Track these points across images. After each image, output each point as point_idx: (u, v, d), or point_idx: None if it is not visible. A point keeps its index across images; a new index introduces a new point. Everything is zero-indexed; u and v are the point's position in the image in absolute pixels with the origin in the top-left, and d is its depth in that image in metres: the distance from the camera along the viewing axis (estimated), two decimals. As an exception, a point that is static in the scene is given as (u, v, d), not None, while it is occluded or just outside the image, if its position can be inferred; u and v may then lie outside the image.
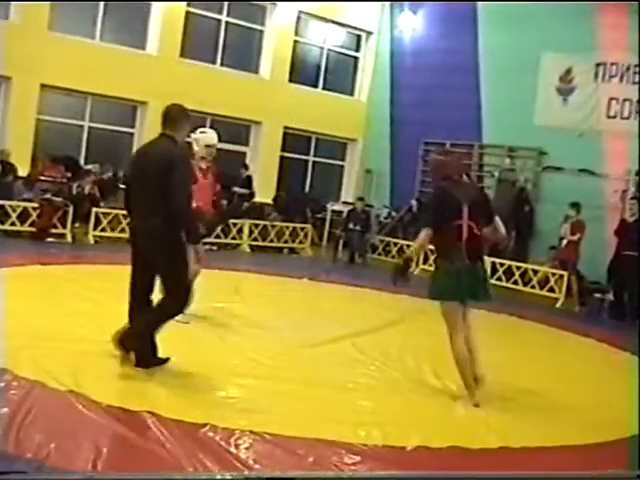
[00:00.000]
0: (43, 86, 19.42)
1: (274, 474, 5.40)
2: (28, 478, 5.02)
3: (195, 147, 10.42)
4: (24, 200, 17.36)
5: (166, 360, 7.93)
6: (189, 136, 8.89)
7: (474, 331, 8.42)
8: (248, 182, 21.79)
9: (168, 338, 8.17)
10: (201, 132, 10.62)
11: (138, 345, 7.76)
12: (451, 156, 8.92)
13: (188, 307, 8.00)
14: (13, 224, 16.87)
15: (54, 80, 19.40)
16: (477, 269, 8.32)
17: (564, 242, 17.44)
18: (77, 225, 17.75)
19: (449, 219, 7.92)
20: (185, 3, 21.57)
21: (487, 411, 7.72)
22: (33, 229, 17.11)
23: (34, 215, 17.09)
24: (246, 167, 22.17)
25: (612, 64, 18.94)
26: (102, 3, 20.39)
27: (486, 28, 21.88)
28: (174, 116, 8.14)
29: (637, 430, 7.11)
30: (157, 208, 7.60)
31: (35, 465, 5.22)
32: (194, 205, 8.25)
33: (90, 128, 20.80)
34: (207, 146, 10.39)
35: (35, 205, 17.17)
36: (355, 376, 8.68)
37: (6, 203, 16.86)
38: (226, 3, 22.61)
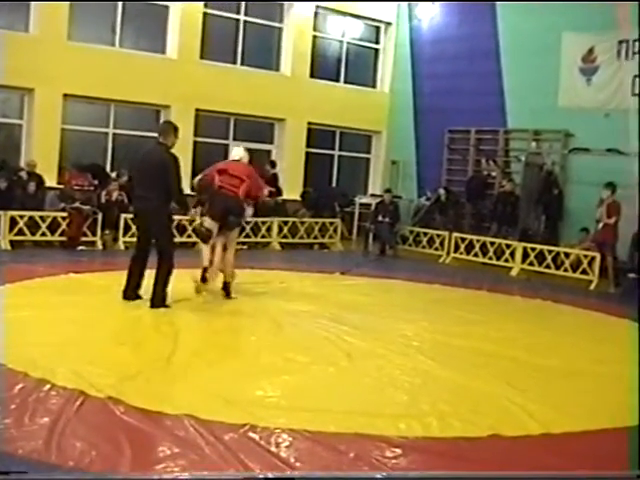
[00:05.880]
0: (66, 96, 19.51)
1: (274, 474, 5.38)
2: (28, 478, 5.03)
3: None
4: (56, 210, 17.45)
5: (168, 306, 10.88)
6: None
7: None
8: (274, 180, 21.80)
9: (203, 340, 8.20)
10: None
11: (155, 293, 10.84)
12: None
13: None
14: (44, 234, 16.98)
15: (76, 89, 19.49)
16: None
17: (600, 225, 17.27)
18: (107, 232, 17.83)
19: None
20: (202, 4, 21.60)
21: (526, 397, 7.68)
22: (64, 238, 17.22)
23: (64, 224, 17.19)
24: (273, 165, 22.14)
25: (635, 41, 18.68)
26: (120, 10, 20.44)
27: (505, 12, 21.77)
28: (162, 128, 11.76)
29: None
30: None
31: (77, 473, 5.25)
32: None
33: (115, 135, 20.87)
34: None
35: (64, 214, 17.26)
36: (390, 369, 8.65)
37: (35, 214, 16.97)
38: (243, 2, 22.62)
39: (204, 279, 11.66)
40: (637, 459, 5.47)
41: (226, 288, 11.99)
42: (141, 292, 11.22)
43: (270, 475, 5.43)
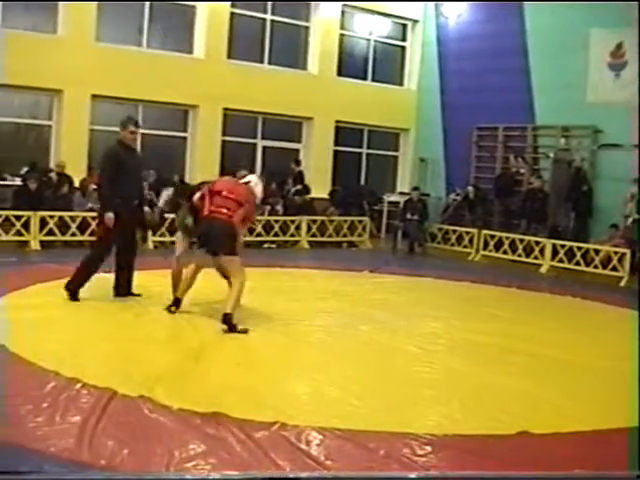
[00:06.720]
0: (94, 96, 19.61)
1: (274, 474, 5.40)
2: (28, 478, 5.07)
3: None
4: (84, 211, 17.53)
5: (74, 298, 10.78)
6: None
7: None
8: (300, 178, 21.87)
9: (231, 339, 8.24)
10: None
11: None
12: None
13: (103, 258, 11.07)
14: (74, 234, 17.07)
15: (104, 90, 19.59)
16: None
17: (629, 220, 17.18)
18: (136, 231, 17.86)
19: None
20: (229, 3, 21.66)
21: (556, 394, 7.66)
22: (93, 238, 17.27)
23: (93, 224, 17.24)
24: (298, 163, 22.28)
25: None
26: (147, 10, 20.54)
27: (532, 8, 21.69)
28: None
29: None
30: None
31: (108, 472, 5.29)
32: None
33: (143, 135, 20.91)
34: None
35: (94, 214, 17.32)
36: (419, 367, 8.64)
37: (65, 214, 17.07)
38: (270, 2, 22.66)
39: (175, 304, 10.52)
40: (637, 459, 5.43)
41: (226, 320, 9.56)
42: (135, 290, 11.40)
43: (270, 475, 5.44)
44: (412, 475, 5.67)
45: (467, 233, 20.73)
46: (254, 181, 10.60)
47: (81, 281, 10.88)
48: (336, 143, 24.20)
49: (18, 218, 16.57)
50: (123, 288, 11.24)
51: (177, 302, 10.47)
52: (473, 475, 5.68)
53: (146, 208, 11.87)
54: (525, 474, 5.67)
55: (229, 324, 9.45)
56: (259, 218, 18.97)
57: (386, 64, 25.49)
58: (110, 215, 10.70)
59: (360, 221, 21.65)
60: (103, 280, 11.88)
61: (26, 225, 16.63)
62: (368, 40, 25.04)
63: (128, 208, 10.97)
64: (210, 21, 21.30)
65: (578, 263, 17.99)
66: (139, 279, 11.50)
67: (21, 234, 16.65)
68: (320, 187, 22.79)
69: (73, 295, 10.78)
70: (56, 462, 5.35)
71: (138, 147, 20.39)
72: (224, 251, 10.01)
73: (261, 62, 22.73)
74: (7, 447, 5.53)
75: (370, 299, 12.70)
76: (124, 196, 10.86)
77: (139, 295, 11.24)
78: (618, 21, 19.08)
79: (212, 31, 21.36)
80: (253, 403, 6.85)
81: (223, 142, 21.87)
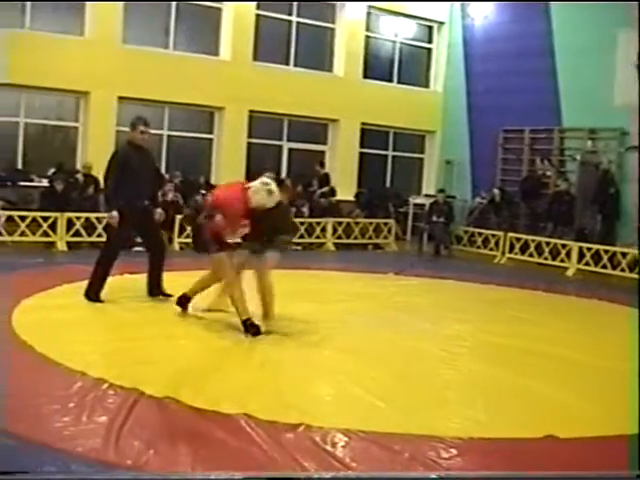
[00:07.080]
0: (121, 98, 19.70)
1: (274, 474, 5.39)
2: (29, 478, 5.09)
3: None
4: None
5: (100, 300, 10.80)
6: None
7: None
8: (326, 180, 21.87)
9: (256, 340, 8.24)
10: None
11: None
12: None
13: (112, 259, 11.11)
14: (100, 235, 17.12)
15: (131, 92, 19.68)
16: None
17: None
18: (162, 233, 17.90)
19: None
20: (255, 4, 21.69)
21: (581, 398, 7.62)
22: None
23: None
24: (322, 165, 22.28)
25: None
26: (173, 12, 20.63)
27: (559, 9, 21.59)
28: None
29: None
30: None
31: (135, 472, 5.31)
32: None
33: (169, 136, 21.04)
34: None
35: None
36: (444, 369, 8.63)
37: (92, 215, 17.13)
38: (295, 3, 22.69)
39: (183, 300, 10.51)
40: (637, 459, 5.41)
41: (247, 327, 9.52)
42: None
43: (270, 475, 5.44)
44: (433, 475, 5.66)
45: (493, 236, 20.65)
46: (254, 188, 9.72)
47: (97, 285, 10.89)
48: (362, 145, 24.20)
49: (45, 219, 16.72)
50: (154, 288, 11.32)
51: (184, 300, 10.44)
52: (497, 476, 5.66)
53: (159, 210, 11.49)
54: (525, 474, 5.65)
55: (251, 329, 9.45)
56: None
57: (412, 66, 25.45)
58: (113, 214, 10.73)
59: (385, 223, 21.61)
60: (130, 281, 11.95)
61: (53, 226, 16.77)
62: (394, 42, 25.01)
63: (137, 208, 10.95)
64: (236, 23, 21.35)
65: (605, 266, 17.87)
66: (168, 280, 11.55)
67: (48, 235, 16.80)
68: (346, 189, 22.78)
69: (94, 301, 10.81)
70: (83, 462, 5.39)
71: (163, 147, 20.74)
72: (197, 249, 10.32)
73: (287, 64, 22.78)
74: (34, 447, 5.58)
75: (394, 301, 12.68)
76: (131, 196, 10.82)
77: (170, 296, 11.15)
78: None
79: (238, 33, 21.41)
80: (278, 404, 6.85)
81: (249, 144, 21.93)
